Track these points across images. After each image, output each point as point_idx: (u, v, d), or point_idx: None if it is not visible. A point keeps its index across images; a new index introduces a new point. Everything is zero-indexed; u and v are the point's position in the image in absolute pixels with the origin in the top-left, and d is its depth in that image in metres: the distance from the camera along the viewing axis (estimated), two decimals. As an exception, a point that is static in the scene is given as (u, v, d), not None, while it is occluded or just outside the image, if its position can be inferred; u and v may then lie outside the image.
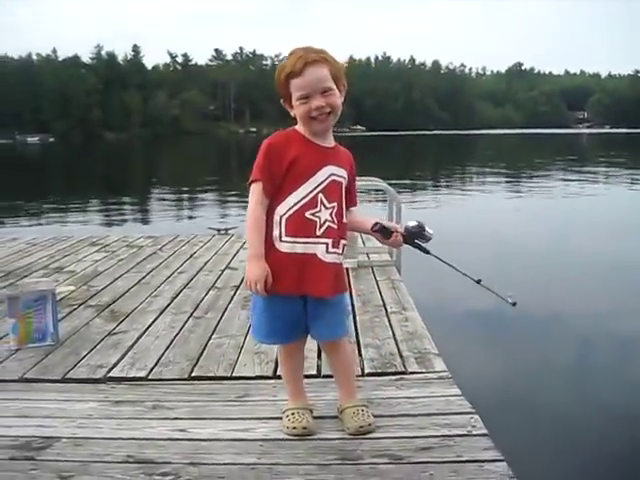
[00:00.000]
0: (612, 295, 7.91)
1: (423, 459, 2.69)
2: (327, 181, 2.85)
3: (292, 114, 2.88)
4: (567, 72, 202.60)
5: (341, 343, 3.08)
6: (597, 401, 5.11)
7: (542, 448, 4.32)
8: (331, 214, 2.86)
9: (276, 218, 2.82)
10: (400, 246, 3.17)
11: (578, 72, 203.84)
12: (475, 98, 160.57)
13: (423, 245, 3.07)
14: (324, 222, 2.84)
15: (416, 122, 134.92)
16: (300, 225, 2.81)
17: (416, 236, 3.04)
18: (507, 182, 25.70)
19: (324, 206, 2.84)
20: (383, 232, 3.01)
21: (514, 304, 3.03)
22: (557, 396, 5.18)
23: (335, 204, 2.87)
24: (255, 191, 2.83)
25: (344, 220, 2.94)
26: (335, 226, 2.87)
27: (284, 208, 2.82)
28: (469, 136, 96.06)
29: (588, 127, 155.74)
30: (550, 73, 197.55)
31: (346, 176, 2.95)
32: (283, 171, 2.80)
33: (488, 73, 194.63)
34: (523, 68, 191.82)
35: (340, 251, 2.92)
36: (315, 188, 2.82)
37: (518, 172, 30.58)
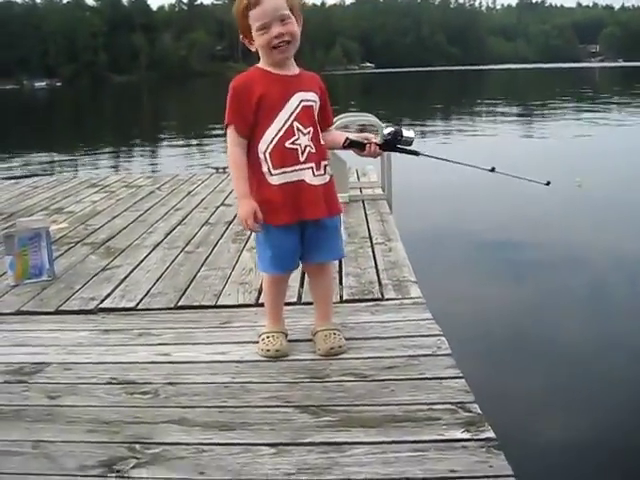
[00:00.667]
0: (616, 233, 7.95)
1: (387, 377, 2.86)
2: (299, 108, 2.94)
3: (253, 49, 2.96)
4: (579, 4, 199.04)
5: (328, 267, 3.28)
6: (562, 329, 5.32)
7: (505, 369, 4.54)
8: (309, 139, 2.97)
9: (261, 156, 2.94)
10: (379, 155, 3.21)
11: (591, 4, 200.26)
12: (486, 33, 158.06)
13: (408, 148, 3.11)
14: (305, 148, 2.95)
15: (426, 58, 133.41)
16: (284, 156, 2.93)
17: (395, 142, 3.08)
18: (520, 118, 25.53)
19: (301, 133, 2.94)
20: (355, 145, 3.12)
21: (548, 183, 3.11)
22: (530, 322, 5.39)
23: (311, 128, 2.98)
24: (231, 134, 2.94)
25: (321, 142, 3.05)
26: (314, 150, 2.99)
27: (265, 144, 2.93)
28: (480, 71, 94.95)
29: (601, 61, 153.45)
30: (562, 6, 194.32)
31: (316, 99, 3.04)
32: (253, 109, 2.90)
33: (498, 7, 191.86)
34: (534, 1, 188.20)
35: (323, 172, 3.03)
36: (289, 117, 2.92)
37: (531, 107, 30.36)
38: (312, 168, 2.97)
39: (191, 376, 2.96)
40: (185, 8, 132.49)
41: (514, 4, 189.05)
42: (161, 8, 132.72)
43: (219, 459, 2.28)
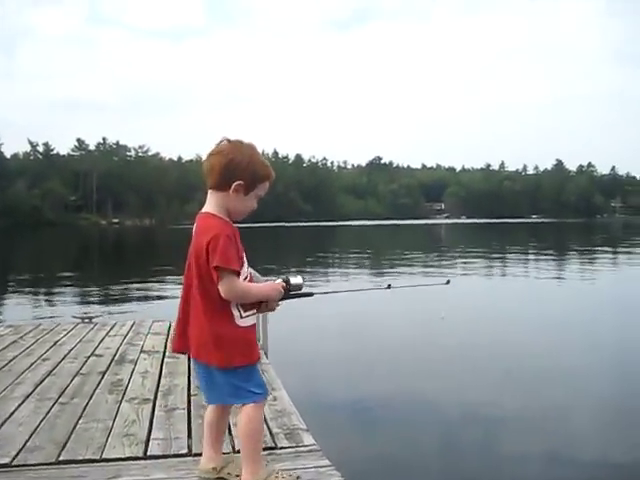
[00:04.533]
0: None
1: (295, 527, 2.77)
2: None
3: (229, 194, 3.09)
4: (424, 166, 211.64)
5: None
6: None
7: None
8: None
9: (233, 303, 3.07)
10: (274, 307, 3.24)
11: (435, 165, 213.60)
12: (338, 191, 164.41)
13: (302, 292, 3.24)
14: None
15: (281, 214, 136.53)
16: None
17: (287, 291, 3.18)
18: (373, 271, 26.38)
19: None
20: None
21: (448, 282, 3.43)
22: (421, 466, 5.44)
23: None
24: (234, 278, 3.02)
25: None
26: None
27: None
28: (333, 227, 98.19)
29: (446, 217, 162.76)
30: (408, 166, 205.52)
31: None
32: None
33: (349, 167, 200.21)
34: (382, 162, 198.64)
35: None
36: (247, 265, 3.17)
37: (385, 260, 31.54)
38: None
39: (84, 536, 2.75)
40: (40, 157, 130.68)
41: (364, 164, 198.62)
42: (15, 155, 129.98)
43: None
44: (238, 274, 3.03)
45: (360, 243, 51.00)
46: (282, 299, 3.20)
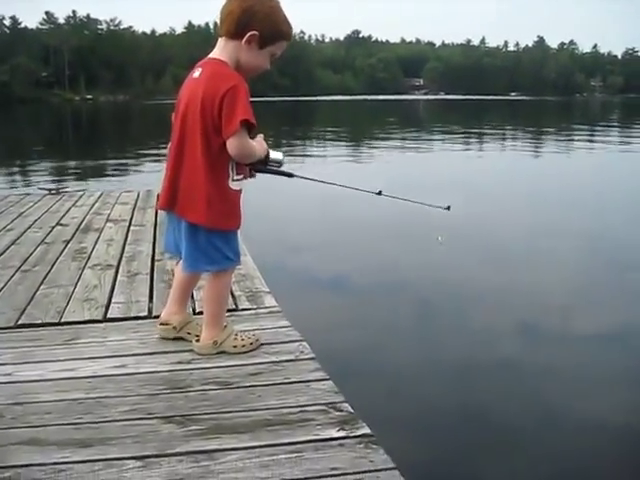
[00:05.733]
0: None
1: (252, 383, 2.78)
2: None
3: (241, 44, 2.83)
4: (403, 40, 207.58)
5: None
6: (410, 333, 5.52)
7: (368, 369, 4.59)
8: None
9: (230, 162, 2.90)
10: (251, 177, 3.11)
11: (414, 40, 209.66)
12: (315, 65, 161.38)
13: (281, 170, 3.11)
14: None
15: (257, 89, 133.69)
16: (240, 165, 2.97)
17: (261, 164, 3.04)
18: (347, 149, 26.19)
19: None
20: None
21: (448, 208, 3.16)
22: (381, 328, 5.51)
23: None
24: (246, 134, 2.84)
25: None
26: None
27: None
28: (310, 102, 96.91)
29: (424, 93, 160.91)
30: (387, 41, 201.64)
31: None
32: None
33: (327, 40, 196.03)
34: (361, 36, 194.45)
35: None
36: None
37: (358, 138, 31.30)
38: None
39: (39, 395, 2.73)
40: (7, 31, 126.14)
41: (342, 38, 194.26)
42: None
43: (79, 477, 2.10)
44: (252, 130, 2.86)
45: (341, 119, 50.49)
46: (260, 171, 3.08)
